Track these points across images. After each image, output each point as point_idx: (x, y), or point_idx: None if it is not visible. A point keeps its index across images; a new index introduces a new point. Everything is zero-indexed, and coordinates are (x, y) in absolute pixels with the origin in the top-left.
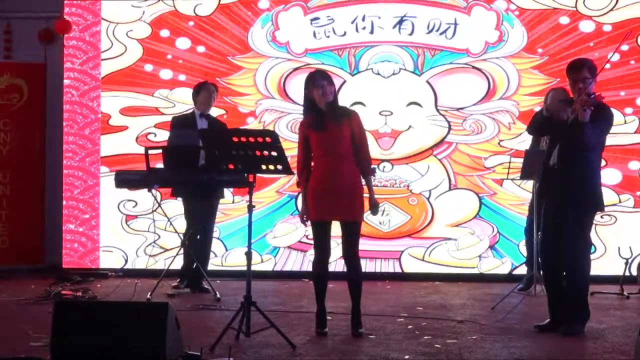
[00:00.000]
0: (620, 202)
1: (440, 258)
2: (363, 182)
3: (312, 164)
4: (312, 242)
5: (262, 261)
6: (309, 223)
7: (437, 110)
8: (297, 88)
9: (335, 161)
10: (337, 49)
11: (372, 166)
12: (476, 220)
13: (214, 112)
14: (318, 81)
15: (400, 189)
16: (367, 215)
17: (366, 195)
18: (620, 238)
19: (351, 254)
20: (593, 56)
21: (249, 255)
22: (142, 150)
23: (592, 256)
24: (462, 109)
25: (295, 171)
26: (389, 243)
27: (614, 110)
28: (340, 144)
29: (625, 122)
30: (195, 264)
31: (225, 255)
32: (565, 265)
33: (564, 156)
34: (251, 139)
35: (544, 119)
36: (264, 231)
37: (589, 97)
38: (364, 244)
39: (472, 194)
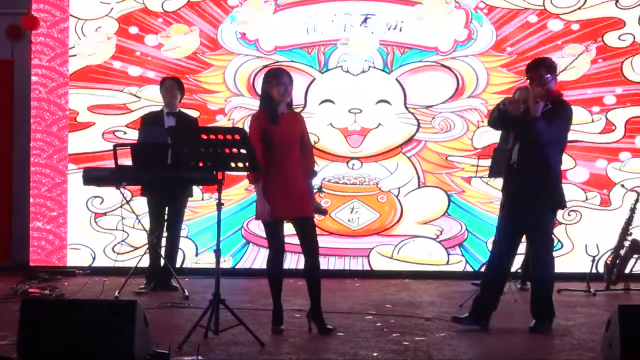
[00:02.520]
0: (587, 199)
1: (409, 256)
2: None
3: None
4: None
5: (232, 263)
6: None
7: (406, 108)
8: None
9: (289, 159)
10: (306, 46)
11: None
12: (445, 218)
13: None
14: (282, 79)
15: (370, 187)
16: (345, 214)
17: None
18: (587, 236)
19: (314, 251)
20: (562, 54)
21: (217, 253)
22: (110, 147)
23: (559, 253)
24: (431, 107)
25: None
26: (357, 241)
27: (580, 109)
28: (293, 142)
29: (592, 121)
30: (163, 262)
31: (194, 253)
32: (531, 265)
33: (523, 154)
34: (220, 137)
35: (500, 112)
36: (233, 229)
37: (542, 90)
38: (332, 242)
39: (440, 192)
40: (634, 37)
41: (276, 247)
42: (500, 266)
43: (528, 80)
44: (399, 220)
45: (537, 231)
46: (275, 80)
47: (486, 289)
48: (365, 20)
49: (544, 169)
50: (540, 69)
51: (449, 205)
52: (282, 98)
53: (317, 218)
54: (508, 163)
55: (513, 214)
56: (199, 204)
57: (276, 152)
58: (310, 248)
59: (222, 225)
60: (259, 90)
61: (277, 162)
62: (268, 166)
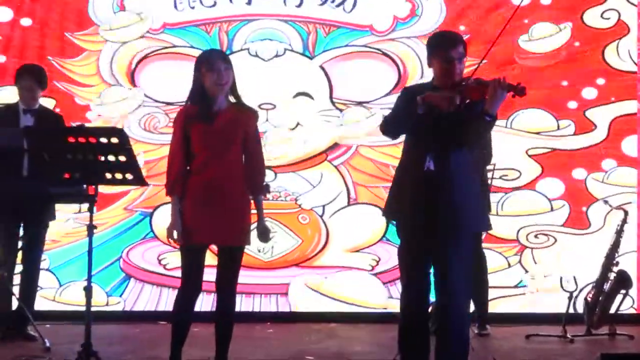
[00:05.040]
0: (552, 209)
1: (337, 293)
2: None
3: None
4: (170, 274)
5: (107, 303)
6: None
7: (333, 104)
8: (151, 74)
9: (222, 169)
10: (204, 23)
11: (265, 182)
12: (382, 243)
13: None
14: (215, 64)
15: (287, 204)
16: (254, 241)
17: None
18: (563, 266)
19: (231, 286)
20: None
21: (88, 291)
22: None
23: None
24: (365, 102)
25: (149, 181)
26: (271, 274)
27: (547, 113)
28: (231, 146)
29: (558, 128)
30: (16, 304)
31: (58, 291)
32: (445, 306)
33: (444, 160)
34: (92, 140)
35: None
36: (110, 259)
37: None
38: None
39: (377, 211)
40: (619, 15)
41: (190, 280)
42: (420, 311)
43: (440, 59)
44: (323, 248)
45: (458, 260)
46: (206, 66)
47: (409, 341)
48: None
49: (471, 177)
50: (459, 45)
51: (387, 227)
52: (217, 89)
53: (261, 242)
54: (415, 172)
55: (425, 239)
56: (63, 228)
57: (205, 158)
58: (230, 286)
59: (94, 255)
60: (142, 81)
61: (207, 171)
62: (194, 175)
